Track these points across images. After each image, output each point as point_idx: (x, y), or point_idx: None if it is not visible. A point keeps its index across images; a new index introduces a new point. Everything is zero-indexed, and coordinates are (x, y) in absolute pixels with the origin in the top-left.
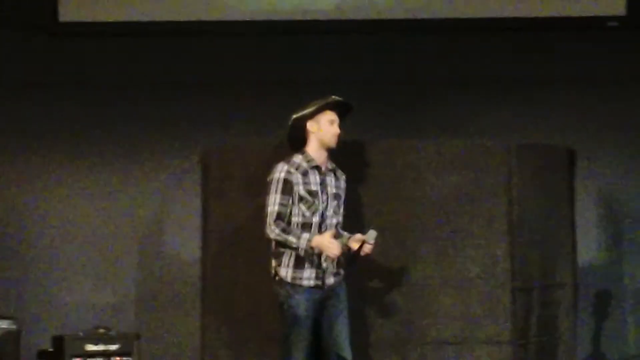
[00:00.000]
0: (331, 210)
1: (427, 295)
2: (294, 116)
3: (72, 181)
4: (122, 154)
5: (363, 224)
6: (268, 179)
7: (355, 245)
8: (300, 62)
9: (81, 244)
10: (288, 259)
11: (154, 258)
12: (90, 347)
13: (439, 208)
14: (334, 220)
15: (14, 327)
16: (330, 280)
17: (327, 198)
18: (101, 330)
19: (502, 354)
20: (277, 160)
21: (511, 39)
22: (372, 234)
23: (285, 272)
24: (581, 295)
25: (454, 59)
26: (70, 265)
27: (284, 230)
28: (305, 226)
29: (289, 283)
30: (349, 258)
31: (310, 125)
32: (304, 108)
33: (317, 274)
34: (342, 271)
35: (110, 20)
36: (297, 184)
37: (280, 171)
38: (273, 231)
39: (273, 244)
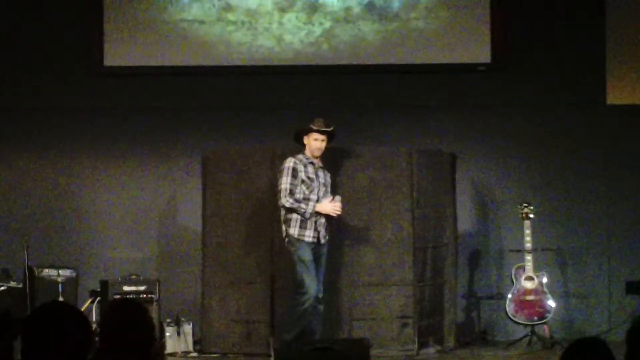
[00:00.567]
0: (321, 194)
1: (356, 253)
2: (296, 130)
3: (114, 176)
4: (147, 157)
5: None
6: (280, 168)
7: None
8: (270, 94)
9: (119, 217)
10: (295, 222)
11: (169, 227)
12: (126, 288)
13: (364, 193)
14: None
15: (74, 274)
16: (321, 238)
17: (318, 185)
18: (133, 277)
19: (407, 292)
20: (257, 162)
21: (411, 78)
22: (337, 198)
23: (294, 231)
24: (459, 251)
25: (372, 91)
26: (111, 231)
27: (296, 200)
28: (306, 200)
29: (297, 239)
30: (327, 220)
31: (304, 138)
32: (307, 125)
33: (314, 233)
34: (327, 234)
35: (138, 65)
36: (301, 171)
37: (290, 162)
38: (288, 201)
39: (283, 213)
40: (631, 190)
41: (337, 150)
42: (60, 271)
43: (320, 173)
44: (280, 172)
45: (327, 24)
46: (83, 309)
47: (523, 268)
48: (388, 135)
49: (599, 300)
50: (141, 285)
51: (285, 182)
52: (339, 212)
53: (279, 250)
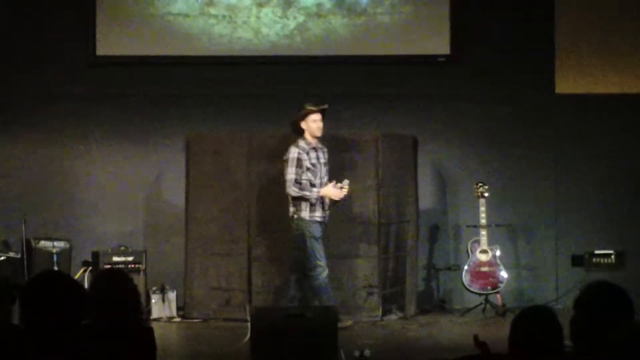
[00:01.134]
0: (324, 173)
1: (329, 229)
2: (292, 120)
3: (104, 156)
4: (135, 138)
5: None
6: (285, 158)
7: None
8: (248, 82)
9: (109, 193)
10: (305, 206)
11: (155, 203)
12: (115, 259)
13: (333, 174)
14: (325, 179)
15: (67, 245)
16: (327, 217)
17: (321, 167)
18: (122, 248)
19: (372, 263)
20: (235, 145)
21: (377, 68)
22: (346, 182)
23: (305, 214)
24: (420, 227)
25: (341, 80)
26: (102, 206)
27: (301, 189)
28: (312, 186)
29: (308, 220)
30: (331, 201)
31: (302, 124)
32: (299, 112)
33: (322, 212)
34: (329, 211)
35: (128, 54)
36: (305, 160)
37: (294, 152)
38: (294, 190)
39: (290, 198)
40: (577, 172)
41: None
42: (55, 243)
43: (320, 154)
44: (286, 162)
45: (301, 18)
46: (76, 277)
47: (478, 242)
48: (356, 121)
49: (547, 272)
50: (129, 256)
51: (291, 173)
52: (341, 196)
53: (255, 225)
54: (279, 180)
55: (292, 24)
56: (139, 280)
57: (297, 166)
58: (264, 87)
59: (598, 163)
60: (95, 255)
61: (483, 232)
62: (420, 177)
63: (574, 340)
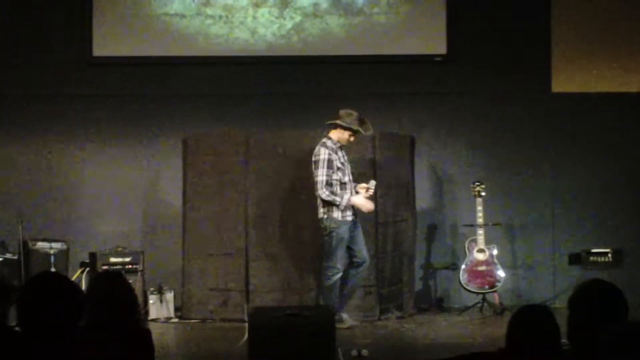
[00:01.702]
0: (349, 171)
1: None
2: (338, 121)
3: (102, 157)
4: (133, 139)
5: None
6: (314, 159)
7: (361, 190)
8: (245, 82)
9: (106, 194)
10: (337, 207)
11: (153, 203)
12: (113, 259)
13: None
14: (351, 177)
15: (65, 246)
16: (357, 213)
17: (347, 164)
18: (119, 249)
19: (370, 263)
20: (232, 144)
21: (373, 67)
22: (372, 183)
23: (338, 214)
24: (418, 226)
25: (338, 80)
26: (99, 207)
27: (332, 193)
28: (343, 185)
29: (340, 220)
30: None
31: (339, 128)
32: (346, 115)
33: (352, 211)
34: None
35: (125, 55)
36: (335, 160)
37: (324, 154)
38: (324, 192)
39: (319, 200)
40: (573, 171)
41: (307, 134)
42: (52, 244)
43: (344, 152)
44: (316, 163)
45: (297, 18)
46: (73, 278)
47: (475, 241)
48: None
49: (544, 270)
50: (127, 256)
51: (321, 174)
52: (371, 208)
53: (253, 225)
54: (276, 179)
55: (288, 24)
56: (136, 281)
57: (328, 167)
58: (260, 87)
59: (594, 162)
60: (93, 256)
61: (480, 231)
62: (418, 176)
63: (570, 339)
